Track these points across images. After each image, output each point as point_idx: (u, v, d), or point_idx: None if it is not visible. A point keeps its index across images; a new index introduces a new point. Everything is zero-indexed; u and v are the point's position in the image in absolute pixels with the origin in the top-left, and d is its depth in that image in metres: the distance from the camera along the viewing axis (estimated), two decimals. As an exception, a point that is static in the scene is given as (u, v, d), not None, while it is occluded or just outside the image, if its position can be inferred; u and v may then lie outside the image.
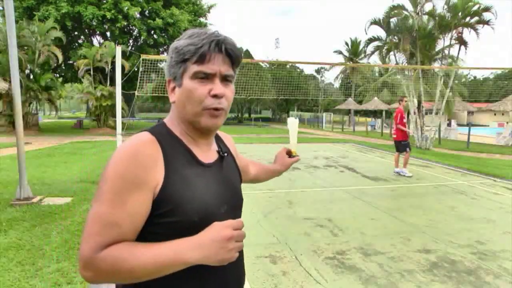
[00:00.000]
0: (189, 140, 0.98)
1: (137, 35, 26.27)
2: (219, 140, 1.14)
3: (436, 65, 16.70)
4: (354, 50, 41.99)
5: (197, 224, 0.87)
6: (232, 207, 1.01)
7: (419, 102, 16.23)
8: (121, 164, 0.85)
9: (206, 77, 0.92)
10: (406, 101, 9.34)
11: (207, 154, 1.02)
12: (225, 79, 0.94)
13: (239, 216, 1.07)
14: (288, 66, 42.54)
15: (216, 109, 0.93)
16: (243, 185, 1.18)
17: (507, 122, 24.87)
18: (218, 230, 0.84)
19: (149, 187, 0.86)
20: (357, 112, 41.30)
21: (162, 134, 0.94)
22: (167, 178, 0.88)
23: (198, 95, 0.91)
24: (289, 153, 1.45)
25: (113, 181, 0.84)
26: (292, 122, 1.46)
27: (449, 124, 25.05)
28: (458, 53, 15.53)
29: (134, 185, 0.84)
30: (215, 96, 0.92)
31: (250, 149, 14.03)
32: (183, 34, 0.96)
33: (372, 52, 17.38)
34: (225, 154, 1.08)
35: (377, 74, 36.57)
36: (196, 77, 0.91)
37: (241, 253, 1.04)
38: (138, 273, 0.80)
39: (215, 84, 0.92)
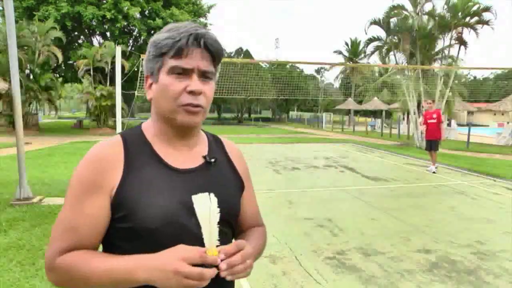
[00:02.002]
0: (163, 140, 0.92)
1: (137, 35, 26.27)
2: (217, 145, 1.04)
3: (436, 65, 16.70)
4: (354, 50, 42.00)
5: (155, 232, 0.82)
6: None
7: (419, 102, 16.23)
8: (81, 169, 0.87)
9: (183, 73, 0.86)
10: (429, 104, 9.75)
11: (185, 158, 0.93)
12: (203, 75, 0.88)
13: (229, 229, 0.95)
14: (288, 66, 42.54)
15: (193, 105, 0.87)
16: (254, 197, 1.12)
17: (508, 122, 24.87)
18: (173, 259, 0.75)
19: (105, 190, 0.84)
20: (357, 112, 41.29)
21: (132, 136, 0.92)
22: (124, 181, 0.84)
23: (174, 91, 0.86)
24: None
25: (73, 186, 0.86)
26: (202, 203, 0.80)
27: (449, 124, 25.04)
28: (458, 53, 15.55)
29: (91, 189, 0.84)
30: (191, 92, 0.86)
31: (250, 149, 14.04)
32: (163, 28, 0.91)
33: (372, 52, 17.40)
34: (213, 160, 0.96)
35: (377, 74, 36.58)
36: (172, 72, 0.86)
37: None
38: (93, 284, 0.80)
39: (192, 81, 0.86)
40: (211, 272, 0.75)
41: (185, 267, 0.74)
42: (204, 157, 0.96)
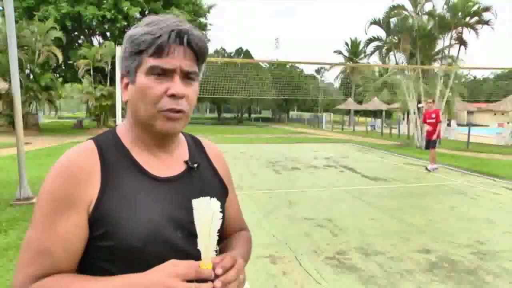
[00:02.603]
0: (142, 147, 0.83)
1: (137, 35, 26.25)
2: (198, 147, 0.96)
3: (436, 65, 16.71)
4: (354, 50, 42.02)
5: (141, 250, 0.74)
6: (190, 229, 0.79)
7: (419, 102, 16.23)
8: (51, 182, 0.74)
9: (164, 74, 0.77)
10: (428, 103, 9.89)
11: (166, 165, 0.85)
12: (187, 76, 0.79)
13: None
14: (288, 66, 42.56)
15: (174, 110, 0.78)
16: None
17: (508, 122, 24.88)
18: (162, 277, 0.67)
19: (81, 206, 0.73)
20: (357, 112, 41.31)
21: (107, 143, 0.81)
22: (102, 195, 0.75)
23: (153, 95, 0.77)
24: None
25: (43, 202, 0.74)
26: (201, 206, 0.73)
27: (449, 124, 25.06)
28: (458, 53, 15.55)
29: (65, 205, 0.73)
30: (172, 96, 0.77)
31: (250, 149, 14.04)
32: (142, 20, 0.81)
33: (372, 52, 17.44)
34: (195, 166, 0.89)
35: (377, 74, 36.59)
36: (151, 73, 0.77)
37: None
38: None
39: (173, 83, 0.77)
40: (207, 287, 0.67)
41: (177, 283, 0.66)
42: (186, 162, 0.88)
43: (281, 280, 3.29)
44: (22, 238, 3.97)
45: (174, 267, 0.69)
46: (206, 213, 0.72)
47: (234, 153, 12.34)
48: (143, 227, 0.75)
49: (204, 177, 0.90)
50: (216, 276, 0.70)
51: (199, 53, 0.80)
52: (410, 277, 3.39)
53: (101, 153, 0.78)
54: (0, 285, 3.00)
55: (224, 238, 0.97)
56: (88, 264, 0.76)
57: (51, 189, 0.74)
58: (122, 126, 0.86)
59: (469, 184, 7.92)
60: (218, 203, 0.73)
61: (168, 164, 0.85)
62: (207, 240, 0.71)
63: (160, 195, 0.80)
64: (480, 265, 3.67)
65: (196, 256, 0.71)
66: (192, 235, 0.75)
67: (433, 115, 9.37)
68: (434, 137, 9.33)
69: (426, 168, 9.47)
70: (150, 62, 0.76)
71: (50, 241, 0.72)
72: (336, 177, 8.63)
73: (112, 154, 0.80)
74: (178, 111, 0.78)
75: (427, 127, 9.66)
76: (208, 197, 0.73)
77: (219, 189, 0.94)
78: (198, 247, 0.71)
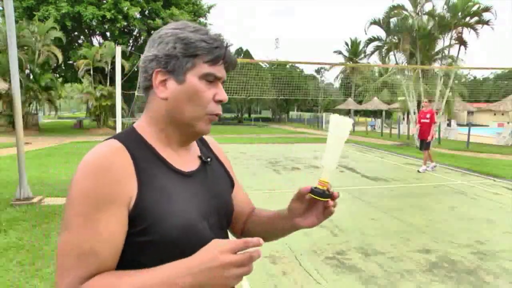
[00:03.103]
0: (165, 144, 0.87)
1: (137, 35, 26.29)
2: (203, 143, 1.02)
3: (436, 65, 16.71)
4: (354, 50, 41.99)
5: (177, 241, 0.78)
6: (218, 219, 0.90)
7: (419, 102, 16.22)
8: (87, 181, 0.73)
9: (213, 81, 0.85)
10: (423, 103, 9.95)
11: (186, 160, 0.90)
12: (222, 84, 0.89)
13: (227, 227, 0.97)
14: (288, 66, 42.55)
15: (216, 115, 0.87)
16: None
17: (508, 122, 24.86)
18: (214, 255, 0.69)
19: (122, 202, 0.74)
20: (357, 112, 41.29)
21: (132, 141, 0.82)
22: (141, 192, 0.76)
23: (205, 99, 0.83)
24: (314, 189, 0.83)
25: (80, 203, 0.73)
26: (339, 123, 0.81)
27: (449, 124, 25.05)
28: (458, 53, 15.56)
29: (106, 203, 0.73)
30: (219, 101, 0.86)
31: (250, 149, 14.04)
32: (180, 24, 0.85)
33: (372, 52, 17.45)
34: (209, 160, 0.95)
35: (377, 74, 36.61)
36: (204, 79, 0.83)
37: None
38: None
39: (219, 89, 0.85)
40: (257, 253, 0.69)
41: (231, 257, 0.69)
42: (200, 157, 0.94)
43: (281, 280, 3.29)
44: (22, 238, 3.98)
45: (220, 244, 0.71)
46: (341, 129, 0.79)
47: (234, 153, 12.34)
48: (179, 219, 0.79)
49: (215, 170, 0.97)
50: (331, 195, 0.81)
51: (230, 66, 0.88)
52: (410, 277, 3.39)
53: (129, 150, 0.80)
54: (0, 285, 3.00)
55: (243, 222, 1.06)
56: (122, 259, 0.77)
57: (86, 190, 0.73)
58: (141, 123, 0.88)
59: (469, 184, 7.92)
60: (351, 121, 0.83)
61: (187, 159, 0.90)
62: (333, 156, 0.78)
63: (187, 189, 0.85)
64: (480, 265, 3.67)
65: None
66: (215, 224, 0.87)
67: (428, 115, 9.30)
68: (429, 138, 9.23)
69: (428, 169, 9.44)
70: (205, 68, 0.83)
71: (94, 240, 0.72)
72: (336, 177, 8.63)
73: (138, 151, 0.81)
74: (219, 115, 0.88)
75: (417, 127, 9.68)
76: (348, 118, 0.83)
77: (227, 181, 1.01)
78: (322, 163, 0.83)
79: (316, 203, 0.87)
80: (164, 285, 0.70)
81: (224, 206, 0.94)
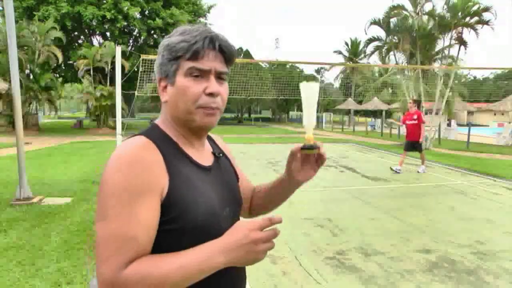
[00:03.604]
0: (184, 142, 0.94)
1: (137, 35, 26.27)
2: (211, 141, 1.10)
3: (436, 65, 16.70)
4: (354, 50, 42.01)
5: (202, 229, 0.85)
6: (232, 209, 0.98)
7: (419, 102, 16.22)
8: (123, 173, 0.79)
9: (201, 75, 0.87)
10: (409, 104, 9.64)
11: (203, 156, 0.97)
12: (219, 77, 0.90)
13: (239, 217, 1.04)
14: (288, 66, 42.55)
15: (211, 107, 0.89)
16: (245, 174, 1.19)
17: (510, 122, 24.88)
18: (245, 232, 0.79)
19: (156, 191, 0.81)
20: (357, 112, 41.29)
21: (158, 138, 0.89)
22: (172, 183, 0.84)
23: (193, 93, 0.87)
24: (304, 145, 0.96)
25: (117, 194, 0.78)
26: (307, 87, 0.95)
27: (449, 124, 25.05)
28: (458, 53, 15.53)
29: (142, 192, 0.79)
30: (210, 94, 0.88)
31: (250, 149, 14.04)
32: (174, 31, 0.91)
33: (372, 52, 17.44)
34: (221, 155, 1.05)
35: (377, 74, 36.60)
36: (190, 74, 0.87)
37: None
38: (167, 287, 0.76)
39: (210, 82, 0.88)
40: (278, 230, 0.81)
41: (259, 233, 0.79)
42: (213, 153, 1.03)
43: (281, 280, 3.29)
44: (22, 238, 3.98)
45: (246, 223, 0.81)
46: (310, 93, 0.94)
47: (234, 153, 12.18)
48: (205, 209, 0.86)
49: (225, 165, 1.07)
50: (318, 147, 0.94)
51: (229, 56, 0.91)
52: (410, 277, 3.39)
53: (157, 145, 0.87)
54: (0, 285, 3.00)
55: (249, 202, 1.20)
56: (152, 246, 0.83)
57: (123, 181, 0.78)
58: (161, 123, 0.95)
59: (469, 184, 7.92)
60: (318, 84, 0.94)
61: (204, 155, 0.99)
62: (310, 115, 0.95)
63: (208, 181, 0.93)
64: (480, 265, 3.67)
65: None
66: (230, 213, 0.96)
67: (415, 117, 8.97)
68: (421, 140, 9.05)
69: (418, 171, 9.25)
70: (188, 64, 0.87)
71: (133, 228, 0.78)
72: (336, 177, 8.63)
73: (166, 147, 0.88)
74: (215, 107, 0.90)
75: (402, 127, 9.53)
76: (315, 84, 0.94)
77: (234, 175, 1.11)
78: (303, 123, 0.96)
79: (308, 157, 1.00)
80: (201, 264, 0.77)
81: (236, 197, 1.04)
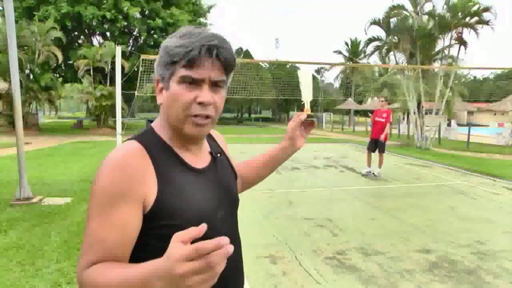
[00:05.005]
0: (179, 145, 0.93)
1: (137, 35, 26.27)
2: (211, 139, 1.09)
3: (436, 65, 16.70)
4: (354, 50, 42.01)
5: None
6: (227, 208, 0.98)
7: (419, 102, 16.23)
8: (107, 177, 0.81)
9: (194, 83, 0.85)
10: (381, 101, 8.98)
11: (198, 158, 0.97)
12: (215, 84, 0.88)
13: (236, 217, 1.05)
14: (288, 66, 42.55)
15: (202, 116, 0.87)
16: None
17: (511, 122, 24.87)
18: (171, 265, 0.64)
19: (137, 199, 0.81)
20: (357, 112, 41.31)
21: (151, 142, 0.89)
22: (160, 190, 0.83)
23: (183, 101, 0.86)
24: (307, 116, 1.18)
25: (98, 196, 0.81)
26: (303, 73, 1.27)
27: (449, 124, 25.05)
28: (458, 53, 15.53)
29: (121, 198, 0.80)
30: (201, 103, 0.86)
31: (250, 149, 14.04)
32: (177, 31, 0.90)
33: (372, 52, 17.39)
34: (218, 155, 1.03)
35: (377, 74, 36.59)
36: (183, 81, 0.85)
37: (239, 252, 1.01)
38: None
39: (202, 91, 0.86)
40: (221, 253, 0.63)
41: (187, 265, 0.62)
42: (211, 153, 1.02)
43: (281, 280, 3.29)
44: (22, 238, 3.99)
45: (173, 253, 0.64)
46: (306, 78, 1.24)
47: (234, 153, 12.24)
48: (195, 214, 0.86)
49: (223, 164, 1.06)
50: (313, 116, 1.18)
51: (227, 65, 0.88)
52: (410, 277, 3.39)
53: (149, 151, 0.86)
54: (0, 285, 3.00)
55: (243, 181, 1.25)
56: (149, 250, 0.82)
57: (105, 185, 0.81)
58: (158, 125, 0.95)
59: (469, 184, 7.92)
60: (311, 71, 1.09)
61: (200, 156, 0.97)
62: (308, 92, 1.21)
63: (202, 185, 0.93)
64: (480, 265, 3.67)
65: (230, 234, 0.71)
66: (226, 213, 0.95)
67: (384, 115, 8.46)
68: (382, 137, 8.47)
69: (374, 174, 8.60)
70: (182, 72, 0.85)
71: (104, 231, 0.80)
72: (336, 177, 8.63)
73: (157, 151, 0.88)
74: (206, 117, 0.88)
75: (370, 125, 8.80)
76: (308, 70, 1.10)
77: (233, 173, 1.10)
78: (303, 98, 1.20)
79: (300, 126, 1.17)
80: (141, 282, 0.70)
81: (232, 196, 1.03)
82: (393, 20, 15.59)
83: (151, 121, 0.99)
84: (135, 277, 0.72)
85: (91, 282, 0.77)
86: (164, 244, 0.77)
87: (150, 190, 0.83)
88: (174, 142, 0.93)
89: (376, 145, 8.70)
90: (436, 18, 14.86)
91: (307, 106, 1.18)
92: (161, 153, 0.89)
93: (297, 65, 44.05)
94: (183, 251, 0.64)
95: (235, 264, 0.98)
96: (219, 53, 0.85)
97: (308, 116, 1.17)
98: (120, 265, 0.80)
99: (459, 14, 14.32)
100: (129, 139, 0.91)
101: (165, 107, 0.91)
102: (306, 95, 1.20)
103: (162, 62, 0.89)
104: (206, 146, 1.02)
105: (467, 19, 14.51)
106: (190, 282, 0.64)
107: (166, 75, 0.88)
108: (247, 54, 41.16)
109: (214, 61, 0.85)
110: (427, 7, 15.48)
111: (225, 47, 0.86)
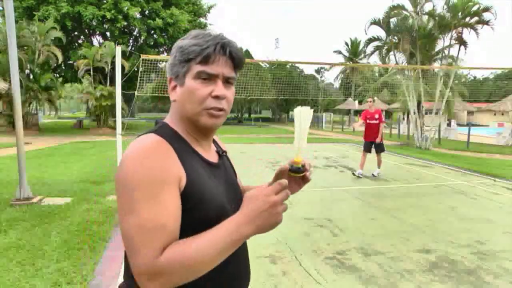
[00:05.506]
0: (192, 140, 0.98)
1: (137, 35, 26.27)
2: (213, 141, 1.14)
3: (436, 65, 16.70)
4: (354, 50, 42.02)
5: (214, 221, 0.86)
6: (236, 204, 0.98)
7: (419, 102, 16.22)
8: (143, 166, 0.82)
9: (209, 78, 0.92)
10: (369, 102, 8.86)
11: (209, 154, 1.03)
12: (227, 81, 0.95)
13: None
14: (288, 66, 42.54)
15: (217, 109, 0.94)
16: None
17: (512, 122, 24.87)
18: (263, 199, 0.83)
19: (175, 181, 0.85)
20: (357, 112, 41.26)
21: (169, 135, 0.93)
22: (188, 176, 0.88)
23: (200, 95, 0.92)
24: (292, 167, 1.04)
25: (142, 186, 0.81)
26: (301, 112, 1.01)
27: (449, 124, 25.06)
28: (458, 53, 15.53)
29: (164, 182, 0.83)
30: (216, 97, 0.93)
31: (250, 149, 14.03)
32: (188, 34, 0.97)
33: (372, 52, 17.40)
34: (224, 154, 1.11)
35: (377, 74, 36.59)
36: (198, 77, 0.92)
37: (247, 248, 1.08)
38: (204, 264, 0.80)
39: (217, 86, 0.93)
40: (289, 192, 0.86)
41: (275, 197, 0.83)
42: (217, 151, 1.09)
43: (281, 280, 3.29)
44: (22, 238, 3.97)
45: (264, 190, 0.84)
46: (304, 117, 1.00)
47: (234, 153, 12.34)
48: (216, 203, 0.92)
49: (227, 163, 1.13)
50: (305, 168, 1.04)
51: (237, 62, 0.96)
52: (410, 277, 3.39)
53: (169, 142, 0.91)
54: (0, 285, 3.00)
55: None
56: None
57: (144, 174, 0.82)
58: (171, 121, 0.99)
59: (469, 184, 7.92)
60: (311, 110, 1.01)
61: (210, 152, 1.04)
62: (301, 140, 1.00)
63: (217, 177, 0.99)
64: (480, 265, 3.67)
65: None
66: (235, 207, 0.94)
67: (376, 116, 8.40)
68: (378, 140, 8.43)
69: (373, 174, 8.60)
70: (197, 68, 0.92)
71: (163, 215, 0.82)
72: (336, 177, 8.63)
73: (177, 144, 0.92)
74: (220, 110, 0.94)
75: (362, 128, 8.70)
76: (308, 107, 1.00)
77: (233, 169, 1.17)
78: (294, 146, 1.01)
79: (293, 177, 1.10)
80: (232, 235, 0.81)
81: (238, 194, 1.08)
82: (393, 20, 15.59)
83: (158, 121, 1.02)
84: (223, 233, 0.81)
85: (176, 262, 0.78)
86: (181, 231, 0.86)
87: (181, 173, 0.87)
88: (188, 137, 0.98)
89: (372, 147, 8.65)
90: (436, 18, 14.86)
91: (298, 156, 1.01)
92: (179, 145, 0.93)
93: (300, 68, 44.08)
94: (271, 187, 0.84)
95: (246, 258, 1.07)
96: (231, 51, 0.93)
97: (294, 169, 1.02)
98: (192, 237, 0.83)
99: (459, 14, 14.32)
100: (144, 133, 0.94)
101: (180, 102, 0.95)
102: (300, 142, 1.01)
103: (176, 61, 0.95)
104: (212, 145, 1.08)
105: (467, 19, 14.51)
106: (277, 210, 0.83)
107: (181, 72, 0.94)
108: (247, 54, 41.13)
109: (227, 59, 0.93)
110: (427, 7, 15.49)
111: (235, 46, 0.95)
